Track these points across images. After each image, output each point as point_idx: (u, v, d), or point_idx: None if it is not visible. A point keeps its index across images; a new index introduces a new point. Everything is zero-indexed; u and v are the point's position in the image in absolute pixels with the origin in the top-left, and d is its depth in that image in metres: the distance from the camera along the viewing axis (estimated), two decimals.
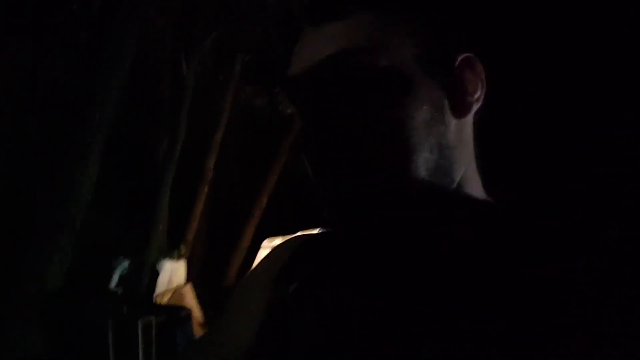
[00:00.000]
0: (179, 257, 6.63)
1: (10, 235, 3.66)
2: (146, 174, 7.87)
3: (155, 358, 3.22)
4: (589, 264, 0.44)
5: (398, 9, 0.54)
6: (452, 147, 0.54)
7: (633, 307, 0.41)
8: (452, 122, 0.54)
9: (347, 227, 0.55)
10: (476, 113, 0.57)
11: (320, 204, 0.55)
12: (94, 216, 4.31)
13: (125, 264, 5.95)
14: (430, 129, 0.52)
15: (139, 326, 3.22)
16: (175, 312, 3.66)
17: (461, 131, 0.56)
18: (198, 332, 4.62)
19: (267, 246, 4.08)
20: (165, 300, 5.67)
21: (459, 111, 0.55)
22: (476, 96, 0.56)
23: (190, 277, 6.74)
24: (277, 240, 4.11)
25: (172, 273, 6.27)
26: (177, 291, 5.84)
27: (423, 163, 0.52)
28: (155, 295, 5.77)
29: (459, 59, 0.55)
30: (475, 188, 0.57)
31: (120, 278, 5.84)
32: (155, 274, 6.04)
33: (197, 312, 5.55)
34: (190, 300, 5.73)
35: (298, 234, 0.76)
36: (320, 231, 0.65)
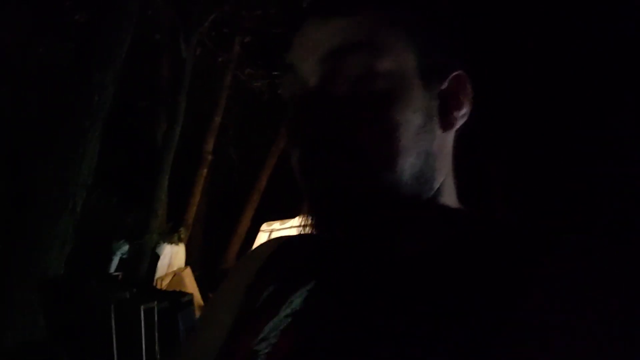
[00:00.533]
0: (178, 241, 6.60)
1: (10, 218, 3.62)
2: (145, 157, 7.82)
3: (157, 343, 3.20)
4: (549, 272, 0.45)
5: (405, 15, 0.55)
6: (436, 157, 0.56)
7: (588, 315, 0.42)
8: (439, 132, 0.56)
9: (324, 222, 0.55)
10: (458, 129, 0.60)
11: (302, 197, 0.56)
12: (94, 200, 4.27)
13: (125, 247, 5.92)
14: (420, 135, 0.54)
15: (142, 312, 3.19)
16: (177, 298, 3.63)
17: (444, 143, 0.58)
18: (199, 315, 4.60)
19: (266, 229, 4.06)
20: (165, 283, 5.65)
21: (446, 124, 0.57)
22: (462, 113, 0.58)
23: (189, 260, 6.73)
24: (276, 224, 4.10)
25: (172, 256, 6.25)
26: (177, 274, 5.83)
27: (409, 167, 0.53)
28: (155, 278, 5.76)
29: (453, 74, 0.57)
30: (451, 197, 0.59)
31: (120, 262, 5.82)
32: (156, 258, 6.02)
33: (197, 295, 5.55)
34: (190, 283, 5.72)
35: (278, 236, 0.76)
36: (299, 232, 0.63)
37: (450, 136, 0.59)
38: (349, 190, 0.53)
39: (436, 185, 0.56)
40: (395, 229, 0.55)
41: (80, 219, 3.83)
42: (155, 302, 3.30)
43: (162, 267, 6.01)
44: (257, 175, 9.40)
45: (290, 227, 3.77)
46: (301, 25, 0.57)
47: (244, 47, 8.51)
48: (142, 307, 3.22)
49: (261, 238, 3.98)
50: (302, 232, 0.59)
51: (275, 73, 7.54)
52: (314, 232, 0.56)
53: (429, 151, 0.55)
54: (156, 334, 3.24)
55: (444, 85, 0.57)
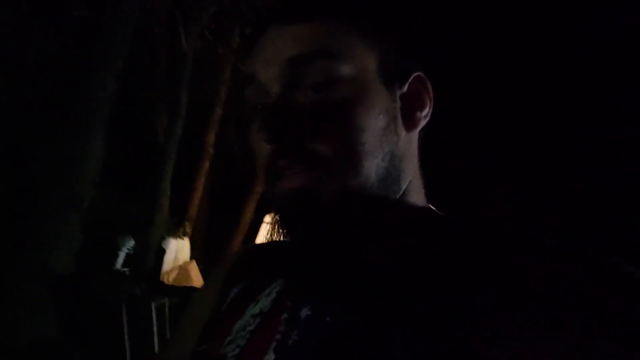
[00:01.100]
0: (183, 235, 6.59)
1: (15, 214, 3.60)
2: (148, 151, 7.79)
3: (169, 339, 3.20)
4: (513, 273, 0.46)
5: (365, 20, 0.56)
6: (401, 158, 0.57)
7: (549, 317, 0.42)
8: (403, 133, 0.57)
9: (290, 228, 0.55)
10: (422, 129, 0.61)
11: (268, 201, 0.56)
12: (98, 195, 4.25)
13: (131, 243, 5.91)
14: (384, 137, 0.55)
15: (153, 308, 3.19)
16: (187, 293, 3.63)
17: (409, 143, 0.59)
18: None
19: (269, 222, 4.05)
20: (172, 277, 5.66)
21: (409, 124, 0.58)
22: (424, 112, 0.60)
23: (193, 253, 6.72)
24: None
25: (178, 251, 6.24)
26: (183, 268, 5.82)
27: (375, 170, 0.54)
28: (162, 273, 5.76)
29: (413, 75, 0.59)
30: (419, 197, 0.60)
31: (127, 257, 5.81)
32: (162, 252, 6.01)
33: None
34: (195, 277, 5.72)
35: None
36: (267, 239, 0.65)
37: (414, 136, 0.60)
38: (314, 196, 0.53)
39: (403, 186, 0.57)
40: (362, 231, 0.55)
41: (86, 213, 3.81)
42: (166, 298, 3.30)
43: (168, 262, 6.00)
44: None
45: None
46: (261, 34, 0.58)
47: (243, 39, 8.46)
48: (153, 304, 3.22)
49: (265, 230, 3.99)
50: (270, 239, 0.60)
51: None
52: (281, 238, 0.56)
53: (394, 152, 0.56)
54: (167, 330, 3.25)
55: (405, 87, 0.58)
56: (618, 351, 0.40)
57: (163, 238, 6.31)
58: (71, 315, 3.31)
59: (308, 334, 0.50)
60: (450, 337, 0.44)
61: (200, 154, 8.63)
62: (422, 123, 0.59)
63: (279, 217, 0.55)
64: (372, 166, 0.54)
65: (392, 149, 0.55)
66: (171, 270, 5.83)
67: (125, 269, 5.68)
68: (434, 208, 0.60)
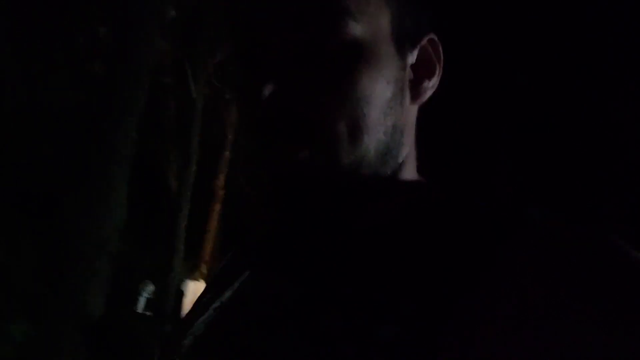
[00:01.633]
0: (200, 277, 6.68)
1: (49, 260, 3.72)
2: (162, 197, 7.92)
3: None
4: (510, 244, 0.43)
5: None
6: (402, 130, 0.53)
7: (550, 289, 0.40)
8: (407, 105, 0.52)
9: (282, 198, 0.51)
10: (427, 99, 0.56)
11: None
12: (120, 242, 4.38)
13: (151, 288, 6.00)
14: (390, 109, 0.50)
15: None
16: None
17: (412, 115, 0.54)
18: None
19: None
20: None
21: (415, 95, 0.53)
22: (432, 82, 0.54)
23: None
24: None
25: (196, 293, 6.32)
26: None
27: (375, 144, 0.49)
28: (183, 314, 5.82)
29: (426, 39, 0.53)
30: (412, 169, 0.56)
31: (147, 301, 5.89)
32: (181, 295, 6.09)
33: None
34: None
35: None
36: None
37: (416, 108, 0.55)
38: (306, 172, 0.48)
39: (400, 160, 0.53)
40: (355, 206, 0.51)
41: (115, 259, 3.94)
42: None
43: (187, 304, 6.08)
44: None
45: None
46: None
47: None
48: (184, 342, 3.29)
49: None
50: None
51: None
52: (274, 216, 0.54)
53: (396, 125, 0.51)
54: None
55: (417, 51, 0.53)
56: (612, 335, 0.38)
57: (181, 281, 6.40)
58: (106, 357, 3.39)
59: (283, 311, 0.47)
60: (438, 318, 0.40)
61: (211, 197, 8.77)
62: (429, 93, 0.54)
63: (269, 190, 0.51)
64: (373, 140, 0.49)
65: (395, 121, 0.51)
66: None
67: (147, 312, 5.74)
68: (423, 180, 0.57)
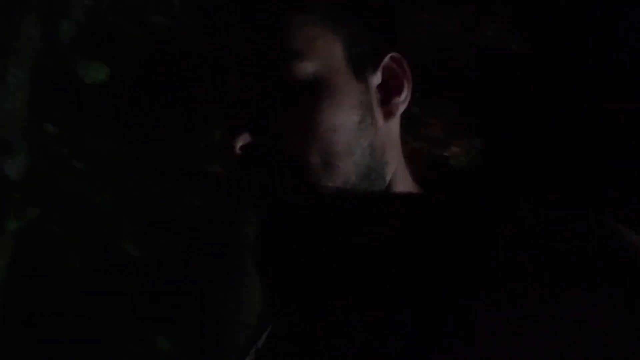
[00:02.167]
0: None
1: None
2: None
3: None
4: (501, 241, 0.43)
5: (327, 9, 0.53)
6: (383, 149, 0.54)
7: (545, 281, 0.40)
8: (381, 123, 0.54)
9: (274, 235, 0.53)
10: (402, 113, 0.57)
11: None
12: None
13: None
14: (360, 132, 0.52)
15: None
16: None
17: (390, 132, 0.56)
18: None
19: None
20: None
21: (387, 112, 0.55)
22: (402, 97, 0.55)
23: None
24: None
25: None
26: None
27: (354, 167, 0.52)
28: None
29: (387, 57, 0.55)
30: (405, 185, 0.56)
31: None
32: None
33: None
34: None
35: None
36: None
37: (394, 124, 0.56)
38: (290, 205, 0.51)
39: (388, 177, 0.55)
40: (347, 232, 0.52)
41: None
42: None
43: None
44: None
45: None
46: (217, 42, 0.56)
47: None
48: None
49: None
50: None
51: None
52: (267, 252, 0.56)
53: (373, 145, 0.53)
54: None
55: (379, 71, 0.54)
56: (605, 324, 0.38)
57: None
58: None
59: (286, 332, 0.50)
60: (438, 324, 0.41)
61: None
62: (402, 108, 0.55)
63: (259, 225, 0.53)
64: (350, 164, 0.51)
65: (371, 142, 0.53)
66: None
67: None
68: (423, 192, 0.58)
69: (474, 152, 3.82)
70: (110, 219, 3.76)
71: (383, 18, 0.57)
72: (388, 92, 0.54)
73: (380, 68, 0.54)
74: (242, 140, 0.50)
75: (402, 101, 0.55)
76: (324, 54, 0.51)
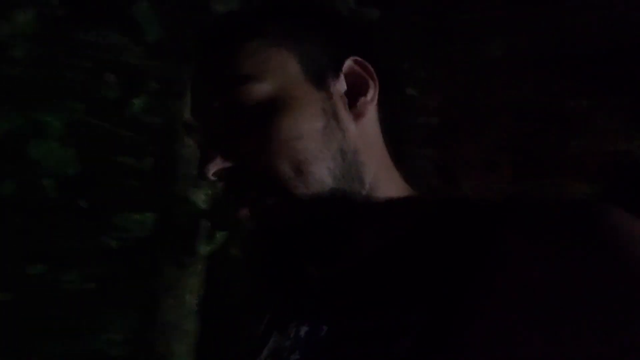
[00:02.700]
0: None
1: None
2: None
3: None
4: (506, 234, 0.44)
5: (281, 32, 0.55)
6: (356, 151, 0.55)
7: (553, 277, 0.41)
8: (351, 126, 0.55)
9: (261, 250, 0.55)
10: (381, 110, 0.58)
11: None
12: None
13: None
14: (327, 137, 0.53)
15: None
16: None
17: (364, 133, 0.56)
18: None
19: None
20: None
21: (356, 113, 0.56)
22: (369, 97, 0.56)
23: None
24: None
25: None
26: None
27: (327, 172, 0.53)
28: None
29: (347, 62, 0.56)
30: (391, 186, 0.57)
31: None
32: None
33: None
34: None
35: None
36: None
37: (368, 124, 0.57)
38: (272, 219, 0.53)
39: (368, 179, 0.55)
40: (334, 237, 0.54)
41: None
42: None
43: None
44: None
45: None
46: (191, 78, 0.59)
47: None
48: None
49: None
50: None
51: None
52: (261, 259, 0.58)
53: (343, 149, 0.54)
54: None
55: (341, 78, 0.56)
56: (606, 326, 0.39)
57: None
58: None
59: (307, 348, 0.50)
60: (448, 323, 0.42)
61: None
62: (370, 108, 0.57)
63: (250, 242, 0.56)
64: (323, 169, 0.52)
65: (340, 146, 0.54)
66: None
67: None
68: (414, 193, 0.58)
69: None
70: None
71: (336, 31, 0.59)
72: (353, 94, 0.56)
73: (342, 74, 0.56)
74: (216, 166, 0.53)
75: (370, 100, 0.56)
76: (278, 72, 0.54)
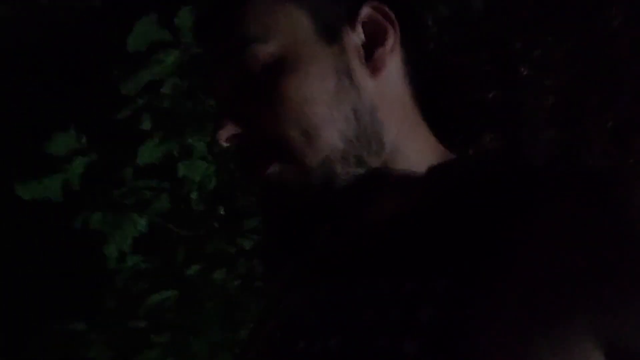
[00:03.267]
0: None
1: None
2: None
3: None
4: (539, 204, 0.42)
5: None
6: (374, 110, 0.51)
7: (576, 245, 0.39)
8: (368, 83, 0.51)
9: (276, 216, 0.52)
10: (406, 63, 0.53)
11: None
12: None
13: None
14: (340, 98, 0.50)
15: None
16: None
17: (383, 89, 0.52)
18: None
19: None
20: None
21: (373, 68, 0.51)
22: (388, 46, 0.52)
23: None
24: None
25: None
26: None
27: (339, 135, 0.50)
28: None
29: (363, 9, 0.52)
30: (416, 147, 0.53)
31: None
32: None
33: None
34: None
35: None
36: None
37: (389, 78, 0.53)
38: (284, 186, 0.51)
39: (389, 139, 0.52)
40: (351, 201, 0.51)
41: None
42: None
43: None
44: None
45: None
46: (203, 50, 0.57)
47: None
48: None
49: None
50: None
51: None
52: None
53: (358, 109, 0.51)
54: None
55: (359, 29, 0.52)
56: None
57: None
58: None
59: (323, 311, 0.49)
60: (470, 292, 0.41)
61: None
62: (391, 59, 0.52)
63: (263, 210, 0.54)
64: (334, 134, 0.50)
65: (354, 106, 0.51)
66: None
67: None
68: (448, 154, 0.55)
69: None
70: None
71: None
72: (369, 46, 0.52)
73: (359, 24, 0.52)
74: (227, 132, 0.51)
75: (390, 50, 0.52)
76: (286, 30, 0.51)
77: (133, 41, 2.01)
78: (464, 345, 0.38)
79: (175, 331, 2.16)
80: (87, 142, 2.21)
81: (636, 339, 0.38)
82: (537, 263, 0.40)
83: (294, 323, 0.51)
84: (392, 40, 0.52)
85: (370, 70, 0.52)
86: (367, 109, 0.52)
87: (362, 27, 0.52)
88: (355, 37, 0.52)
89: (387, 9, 0.52)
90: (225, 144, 0.52)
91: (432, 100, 0.56)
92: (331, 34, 0.51)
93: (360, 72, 0.52)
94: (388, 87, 0.53)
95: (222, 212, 2.16)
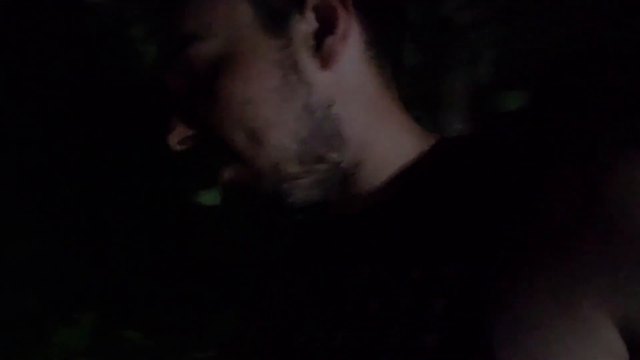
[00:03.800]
0: None
1: None
2: None
3: None
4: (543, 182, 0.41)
5: None
6: (329, 104, 0.47)
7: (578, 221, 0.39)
8: (319, 76, 0.47)
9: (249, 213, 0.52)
10: (371, 46, 0.48)
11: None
12: None
13: None
14: (286, 95, 0.46)
15: None
16: None
17: (339, 80, 0.47)
18: None
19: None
20: None
21: (324, 59, 0.46)
22: (338, 34, 0.46)
23: None
24: None
25: None
26: None
27: (290, 136, 0.46)
28: None
29: (307, 2, 0.46)
30: (387, 134, 0.49)
31: None
32: None
33: None
34: None
35: None
36: None
37: (347, 67, 0.48)
38: (245, 188, 0.49)
39: (351, 133, 0.48)
40: (313, 199, 0.49)
41: None
42: None
43: None
44: None
45: None
46: None
47: None
48: None
49: None
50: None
51: None
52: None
53: (309, 105, 0.46)
54: None
55: (310, 15, 0.47)
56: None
57: None
58: None
59: (331, 301, 0.47)
60: (483, 278, 0.39)
61: None
62: (342, 48, 0.46)
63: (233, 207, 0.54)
64: (284, 135, 0.46)
65: (305, 102, 0.46)
66: None
67: None
68: (431, 137, 0.51)
69: None
70: None
71: None
72: (318, 36, 0.47)
73: (310, 10, 0.47)
74: (177, 135, 0.49)
75: (340, 38, 0.46)
76: (227, 25, 0.47)
77: None
78: (485, 334, 0.37)
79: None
80: None
81: None
82: (544, 239, 0.39)
83: (290, 317, 0.50)
84: (345, 25, 0.46)
85: (320, 62, 0.47)
86: (320, 104, 0.47)
87: (315, 12, 0.47)
88: (305, 25, 0.47)
89: None
90: (178, 148, 0.49)
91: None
92: (277, 25, 0.47)
93: (309, 65, 0.47)
94: (345, 77, 0.48)
95: None
